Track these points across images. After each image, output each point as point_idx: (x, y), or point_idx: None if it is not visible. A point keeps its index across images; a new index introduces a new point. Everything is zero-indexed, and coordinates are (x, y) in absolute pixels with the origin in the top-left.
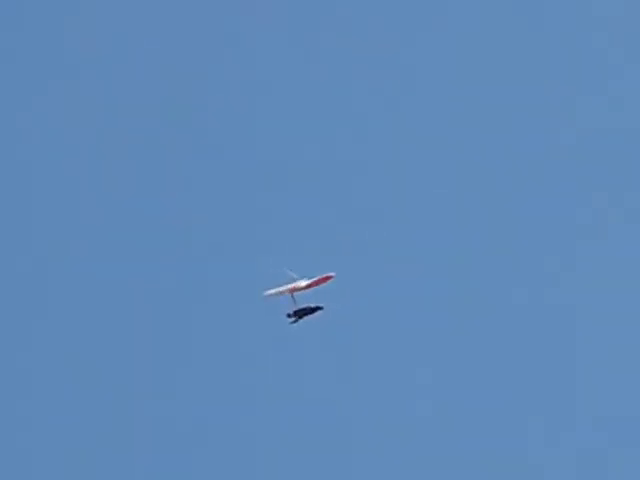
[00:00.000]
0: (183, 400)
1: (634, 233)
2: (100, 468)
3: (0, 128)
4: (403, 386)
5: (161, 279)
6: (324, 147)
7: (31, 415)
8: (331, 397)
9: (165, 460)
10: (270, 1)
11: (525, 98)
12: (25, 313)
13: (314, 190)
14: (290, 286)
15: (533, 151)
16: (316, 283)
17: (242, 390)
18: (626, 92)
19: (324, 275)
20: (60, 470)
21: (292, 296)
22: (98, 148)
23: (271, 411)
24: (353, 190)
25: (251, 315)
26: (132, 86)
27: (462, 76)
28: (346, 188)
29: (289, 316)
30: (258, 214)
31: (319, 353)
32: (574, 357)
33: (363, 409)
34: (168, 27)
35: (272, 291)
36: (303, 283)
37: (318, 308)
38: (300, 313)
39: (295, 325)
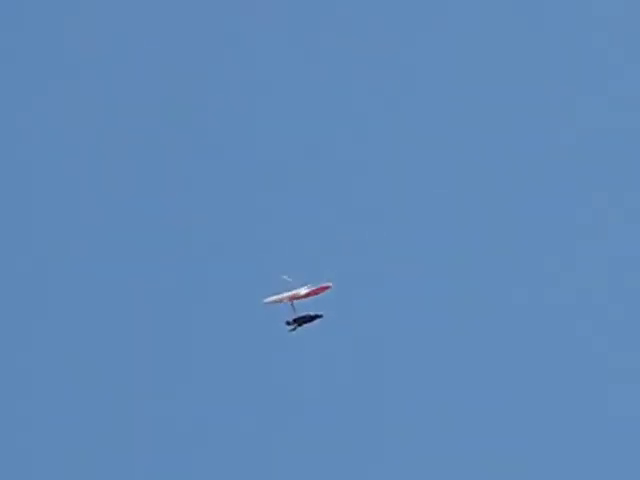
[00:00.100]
0: (183, 400)
1: (634, 233)
2: (100, 468)
3: (0, 128)
4: (403, 387)
5: (161, 279)
6: (324, 147)
7: (31, 415)
8: (331, 397)
9: (165, 460)
10: (270, 1)
11: (525, 98)
12: (25, 313)
13: (314, 190)
14: (290, 294)
15: (533, 151)
16: (315, 292)
17: (242, 390)
18: (626, 92)
19: (322, 285)
20: (60, 470)
21: (292, 304)
22: (98, 148)
23: (271, 412)
24: (353, 190)
25: (251, 315)
26: (132, 86)
27: (462, 76)
28: (346, 188)
29: (288, 324)
30: (258, 214)
31: (319, 353)
32: (574, 357)
33: (363, 412)
34: (168, 27)
35: (272, 298)
36: (303, 291)
37: (317, 316)
38: (299, 321)
39: (294, 332)
